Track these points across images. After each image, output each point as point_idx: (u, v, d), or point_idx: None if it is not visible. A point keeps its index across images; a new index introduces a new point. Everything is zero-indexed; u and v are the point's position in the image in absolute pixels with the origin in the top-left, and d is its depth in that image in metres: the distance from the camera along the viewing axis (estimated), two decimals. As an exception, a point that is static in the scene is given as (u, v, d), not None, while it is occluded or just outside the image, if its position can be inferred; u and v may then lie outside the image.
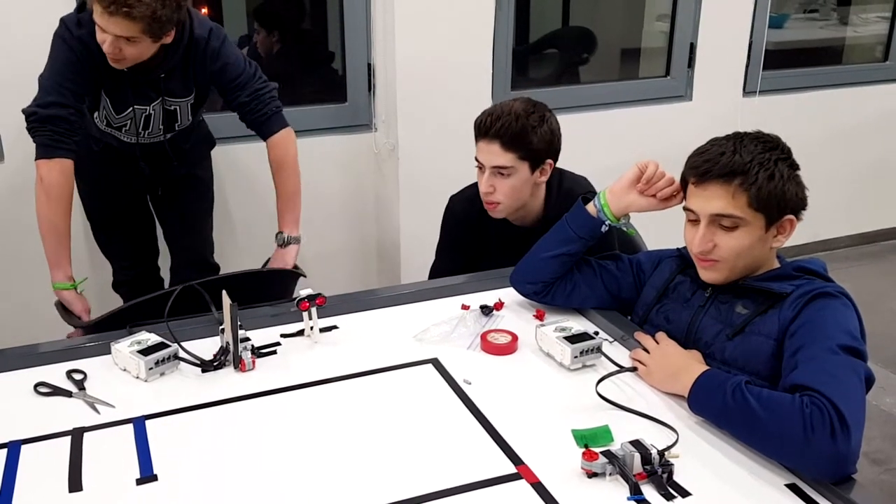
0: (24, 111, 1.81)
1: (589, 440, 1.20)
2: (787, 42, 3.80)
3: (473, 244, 1.99)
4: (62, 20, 1.82)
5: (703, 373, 1.27)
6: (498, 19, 2.78)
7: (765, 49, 3.27)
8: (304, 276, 2.01)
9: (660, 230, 1.89)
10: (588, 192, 1.73)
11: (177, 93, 1.94)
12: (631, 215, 1.58)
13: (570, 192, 1.91)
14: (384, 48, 2.70)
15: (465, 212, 1.98)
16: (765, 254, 1.37)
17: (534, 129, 1.78)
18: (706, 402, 1.24)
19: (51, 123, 1.80)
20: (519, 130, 1.77)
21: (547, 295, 1.61)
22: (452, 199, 2.03)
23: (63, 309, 1.86)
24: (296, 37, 3.12)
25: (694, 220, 1.37)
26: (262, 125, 2.00)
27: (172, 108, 1.96)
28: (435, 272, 2.04)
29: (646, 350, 1.41)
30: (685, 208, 1.39)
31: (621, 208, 1.54)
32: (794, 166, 1.35)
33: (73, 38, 1.78)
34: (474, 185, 1.94)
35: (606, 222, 1.55)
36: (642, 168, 1.51)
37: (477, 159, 1.84)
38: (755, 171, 1.29)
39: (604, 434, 1.22)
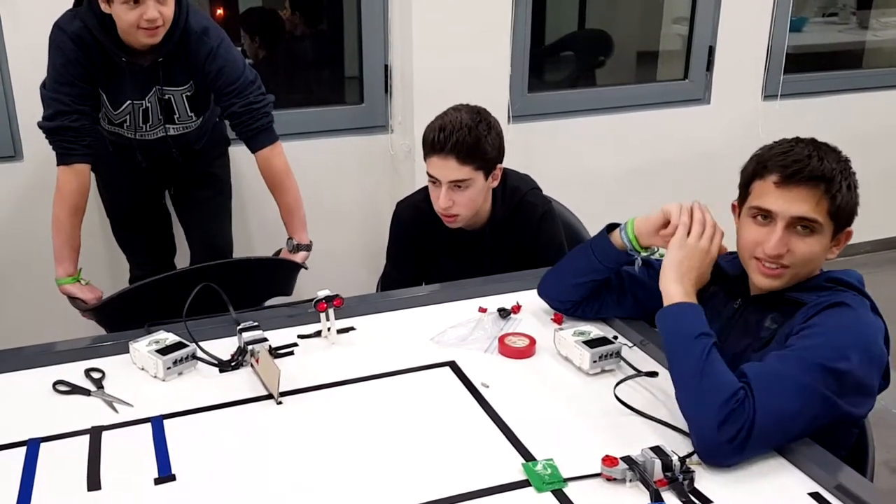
0: (38, 125, 1.89)
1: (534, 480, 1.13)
2: (806, 46, 3.76)
3: (423, 250, 1.98)
4: (55, 24, 1.86)
5: (691, 304, 1.29)
6: (516, 21, 2.77)
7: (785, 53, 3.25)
8: (306, 269, 2.06)
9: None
10: (529, 195, 1.85)
11: (174, 80, 1.95)
12: None
13: (515, 190, 1.92)
14: (401, 50, 2.70)
15: (412, 218, 1.97)
16: (820, 265, 1.34)
17: (485, 137, 1.78)
18: (673, 324, 1.28)
19: (58, 135, 1.87)
20: (473, 143, 1.76)
21: (577, 311, 1.60)
22: (399, 205, 2.02)
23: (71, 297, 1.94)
24: (313, 38, 3.13)
25: (762, 223, 1.30)
26: (250, 139, 2.01)
27: (167, 97, 1.96)
28: (386, 279, 2.04)
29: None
30: (753, 207, 1.31)
31: (649, 244, 1.47)
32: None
33: (66, 37, 1.82)
34: (421, 191, 1.93)
35: (637, 257, 1.48)
36: (667, 214, 1.39)
37: (430, 174, 1.83)
38: (839, 180, 1.26)
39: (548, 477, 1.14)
